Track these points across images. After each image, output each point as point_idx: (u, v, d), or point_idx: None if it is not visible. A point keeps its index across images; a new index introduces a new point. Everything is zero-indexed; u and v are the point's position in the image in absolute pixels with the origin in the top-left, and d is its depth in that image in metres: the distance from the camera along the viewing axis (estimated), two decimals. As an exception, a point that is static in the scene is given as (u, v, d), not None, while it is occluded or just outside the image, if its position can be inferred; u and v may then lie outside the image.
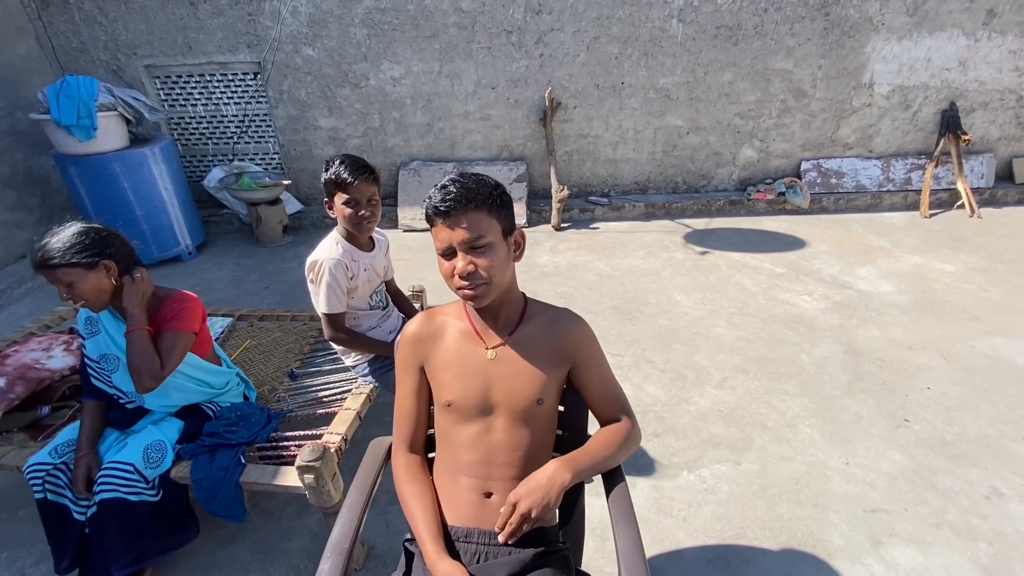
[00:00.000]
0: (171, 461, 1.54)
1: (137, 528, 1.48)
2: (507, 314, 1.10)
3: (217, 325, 2.28)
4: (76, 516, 1.52)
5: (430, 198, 0.99)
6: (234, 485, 1.48)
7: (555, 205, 4.42)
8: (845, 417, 2.28)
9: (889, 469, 2.01)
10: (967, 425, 2.22)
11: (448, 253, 0.99)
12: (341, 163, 1.63)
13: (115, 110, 3.54)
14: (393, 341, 1.86)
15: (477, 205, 0.96)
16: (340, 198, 1.65)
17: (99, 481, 1.44)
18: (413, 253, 4.06)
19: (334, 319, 1.74)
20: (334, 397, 1.82)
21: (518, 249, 1.07)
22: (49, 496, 1.53)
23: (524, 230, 4.73)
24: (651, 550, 1.73)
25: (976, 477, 1.98)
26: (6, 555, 1.81)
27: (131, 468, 1.45)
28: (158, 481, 1.52)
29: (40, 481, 1.51)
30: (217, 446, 1.54)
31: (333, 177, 1.62)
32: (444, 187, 0.98)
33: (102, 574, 1.51)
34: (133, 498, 1.45)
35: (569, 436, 1.21)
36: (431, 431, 1.22)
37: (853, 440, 2.16)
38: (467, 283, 0.99)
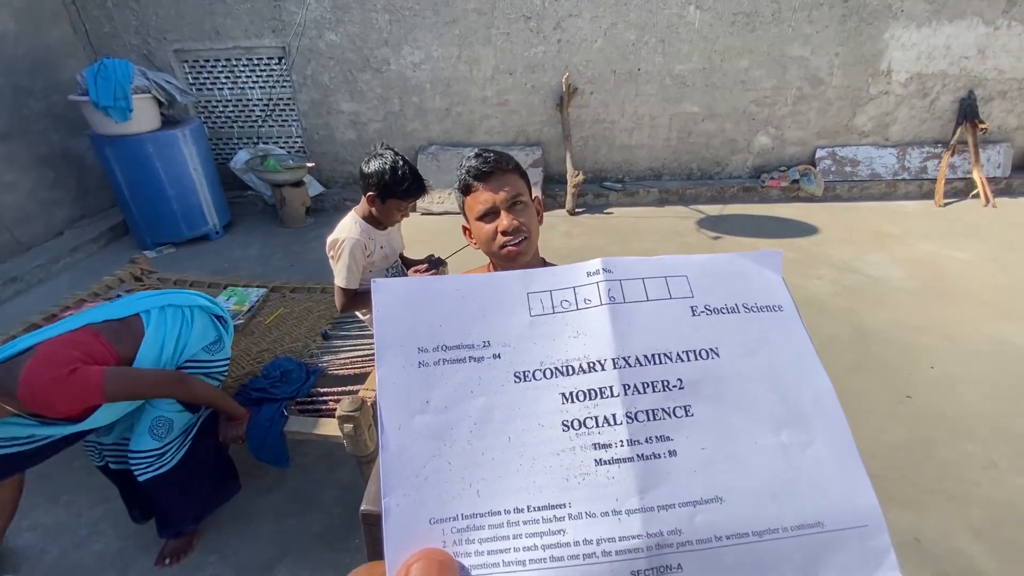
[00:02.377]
0: (187, 420, 1.60)
1: (186, 488, 1.63)
2: None
3: (252, 295, 2.42)
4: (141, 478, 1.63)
5: (466, 167, 1.08)
6: (279, 434, 1.62)
7: (570, 190, 4.50)
8: (849, 393, 2.37)
9: (890, 440, 2.11)
10: (968, 402, 2.30)
11: (489, 215, 1.08)
12: (415, 180, 1.74)
13: (149, 92, 3.68)
14: None
15: (512, 168, 1.09)
16: (397, 205, 1.79)
17: (132, 466, 1.54)
18: (431, 235, 4.18)
19: (347, 293, 1.87)
20: (367, 357, 1.96)
21: (539, 214, 1.19)
22: (111, 465, 1.66)
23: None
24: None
25: (974, 449, 2.06)
26: (65, 499, 1.98)
27: (146, 452, 1.53)
28: (183, 439, 1.61)
29: (95, 453, 1.65)
30: (263, 400, 1.68)
31: (400, 191, 1.73)
32: (479, 155, 1.08)
33: (172, 527, 1.69)
34: (167, 467, 1.56)
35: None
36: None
37: (856, 414, 2.25)
38: (511, 238, 1.07)
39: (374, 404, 1.64)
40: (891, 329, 2.82)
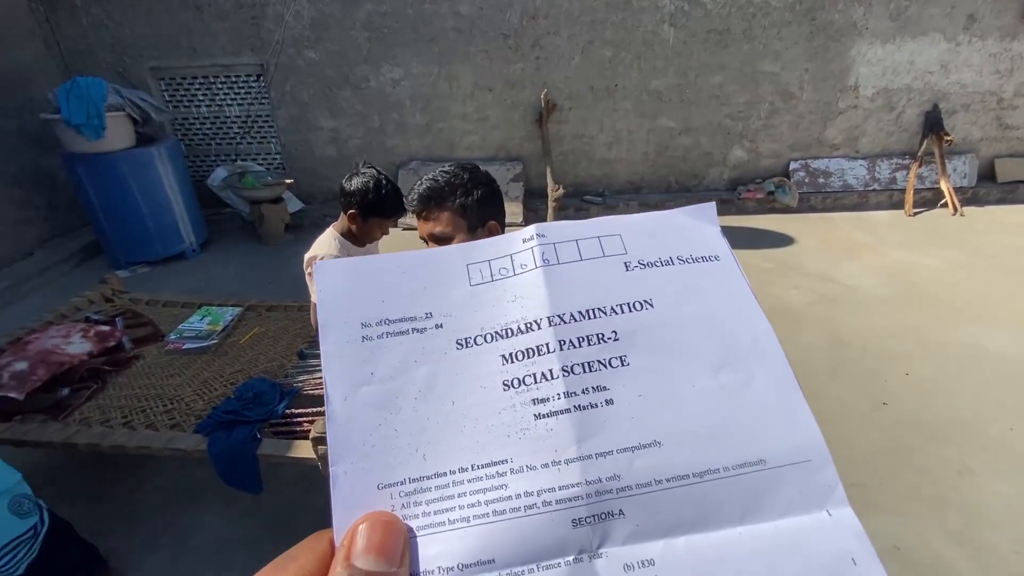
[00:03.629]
0: (17, 527, 1.46)
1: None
2: None
3: (227, 314, 2.38)
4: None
5: (408, 195, 1.15)
6: (251, 458, 1.57)
7: (551, 204, 4.53)
8: (827, 400, 2.40)
9: (868, 447, 2.13)
10: (942, 407, 2.34)
11: (427, 243, 1.14)
12: (398, 199, 1.72)
13: (123, 110, 3.64)
14: None
15: (438, 203, 1.09)
16: (379, 223, 1.77)
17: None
18: (411, 249, 4.16)
19: None
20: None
21: None
22: None
23: (520, 229, 4.86)
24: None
25: (950, 455, 2.09)
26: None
27: None
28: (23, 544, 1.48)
29: None
30: (234, 423, 1.64)
31: (383, 208, 1.71)
32: (421, 182, 1.13)
33: None
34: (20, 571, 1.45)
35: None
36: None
37: (834, 421, 2.27)
38: None
39: (349, 424, 1.62)
40: (867, 336, 2.86)
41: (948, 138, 4.61)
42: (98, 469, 2.09)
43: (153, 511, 1.93)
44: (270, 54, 4.33)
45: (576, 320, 0.29)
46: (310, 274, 1.81)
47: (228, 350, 2.17)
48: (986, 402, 2.36)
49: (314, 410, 1.72)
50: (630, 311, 0.29)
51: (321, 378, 1.81)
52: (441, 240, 1.10)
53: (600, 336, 0.29)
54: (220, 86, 4.51)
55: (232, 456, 1.58)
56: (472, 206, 1.12)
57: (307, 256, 1.82)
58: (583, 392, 0.27)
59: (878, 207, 4.80)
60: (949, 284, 3.40)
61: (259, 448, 1.60)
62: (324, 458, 1.49)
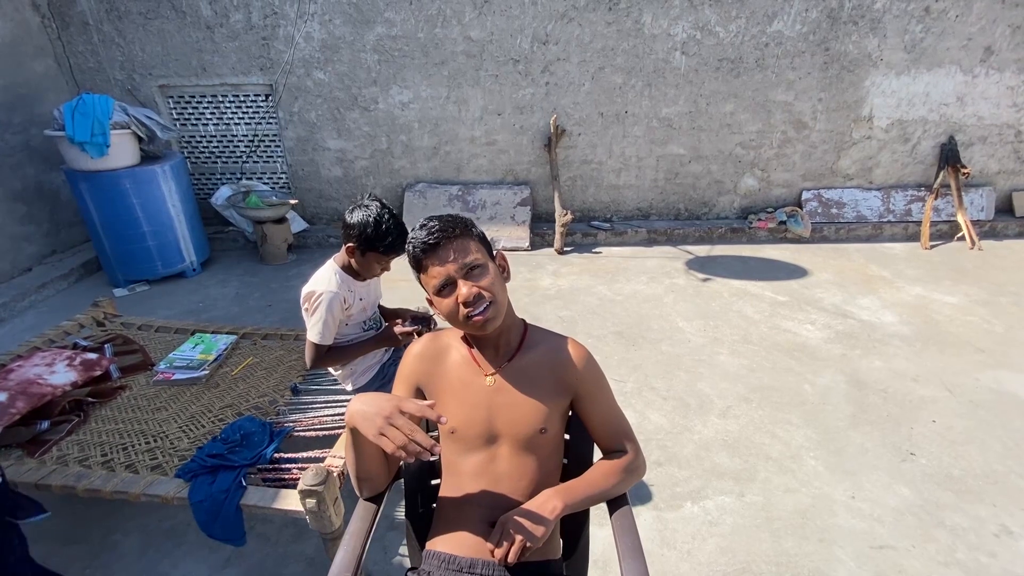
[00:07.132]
0: None
1: None
2: (506, 340, 1.11)
3: (220, 342, 2.28)
4: None
5: (412, 242, 1.01)
6: (235, 508, 1.46)
7: (558, 229, 4.45)
8: (850, 449, 2.26)
9: (896, 504, 1.99)
10: (973, 460, 2.20)
11: (445, 288, 1.01)
12: (399, 236, 1.65)
13: (128, 128, 3.60)
14: (374, 334, 1.87)
15: (460, 233, 1.02)
16: (378, 259, 1.70)
17: None
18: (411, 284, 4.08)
19: (320, 350, 1.74)
20: (338, 416, 1.81)
21: (504, 271, 1.11)
22: None
23: (527, 254, 4.75)
24: (654, 583, 1.69)
25: (984, 514, 1.95)
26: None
27: None
28: None
29: None
30: (219, 467, 1.53)
31: (382, 245, 1.64)
32: (423, 226, 1.01)
33: None
34: None
35: (573, 466, 1.20)
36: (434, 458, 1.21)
37: (858, 473, 2.13)
38: (474, 308, 0.99)
39: (341, 475, 1.50)
40: (888, 379, 2.73)
41: (965, 171, 4.52)
42: (73, 506, 1.98)
43: (131, 556, 1.81)
44: (279, 74, 4.32)
45: None
46: (307, 309, 1.72)
47: (219, 382, 2.07)
48: (1019, 454, 2.22)
49: (305, 455, 1.61)
50: None
51: (313, 418, 1.71)
52: (473, 270, 1.00)
53: None
54: (228, 105, 4.50)
55: (214, 505, 1.46)
56: (481, 236, 1.08)
57: (306, 291, 1.73)
58: None
59: (893, 239, 4.69)
60: (971, 323, 3.27)
61: (243, 497, 1.49)
62: (312, 512, 1.38)
